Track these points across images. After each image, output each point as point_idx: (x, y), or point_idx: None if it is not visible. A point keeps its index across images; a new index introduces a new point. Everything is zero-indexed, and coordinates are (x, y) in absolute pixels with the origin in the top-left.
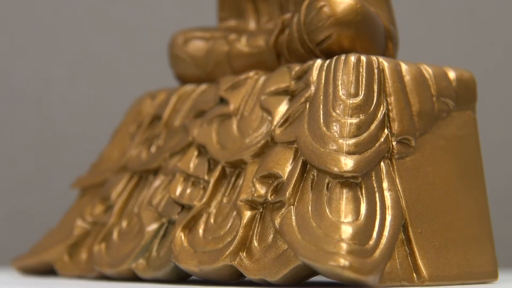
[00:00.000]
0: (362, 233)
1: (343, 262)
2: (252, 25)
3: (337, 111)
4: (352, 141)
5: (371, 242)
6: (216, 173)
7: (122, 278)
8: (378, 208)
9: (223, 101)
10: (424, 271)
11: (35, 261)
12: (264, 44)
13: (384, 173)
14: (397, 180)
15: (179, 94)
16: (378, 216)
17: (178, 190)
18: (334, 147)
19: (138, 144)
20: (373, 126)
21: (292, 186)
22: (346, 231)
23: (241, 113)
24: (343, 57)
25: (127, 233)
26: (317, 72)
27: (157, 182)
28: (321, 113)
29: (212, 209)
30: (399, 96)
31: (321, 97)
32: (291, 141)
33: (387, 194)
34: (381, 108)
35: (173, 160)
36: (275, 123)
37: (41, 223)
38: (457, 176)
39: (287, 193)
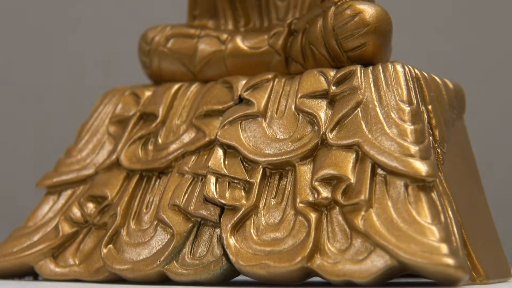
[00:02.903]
0: (449, 234)
1: (453, 262)
2: (230, 25)
3: (398, 117)
4: (421, 146)
5: (454, 244)
6: (258, 174)
7: (147, 281)
8: (445, 211)
9: (243, 101)
10: (481, 270)
11: (7, 264)
12: (266, 45)
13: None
14: (445, 184)
15: (171, 92)
16: (448, 219)
17: (214, 190)
18: (407, 152)
19: (129, 141)
20: (426, 133)
21: (368, 188)
22: (440, 232)
23: (271, 114)
24: (389, 64)
25: (141, 235)
26: (362, 79)
27: (172, 182)
28: (381, 118)
29: (261, 210)
30: (435, 104)
31: (375, 102)
32: (350, 144)
33: (444, 197)
34: (425, 116)
35: (190, 159)
36: (323, 126)
37: None
38: (470, 180)
39: (363, 195)
